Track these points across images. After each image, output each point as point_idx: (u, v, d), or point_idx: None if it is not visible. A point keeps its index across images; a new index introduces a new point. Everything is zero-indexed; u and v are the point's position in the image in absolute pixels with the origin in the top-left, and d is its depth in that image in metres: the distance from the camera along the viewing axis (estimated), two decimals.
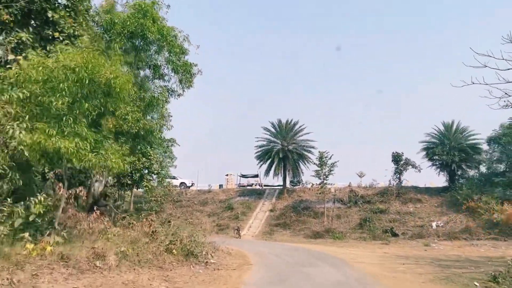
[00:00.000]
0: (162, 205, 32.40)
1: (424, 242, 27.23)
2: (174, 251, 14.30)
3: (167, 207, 39.59)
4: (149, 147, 25.61)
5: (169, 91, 23.19)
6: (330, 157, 36.06)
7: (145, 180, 27.28)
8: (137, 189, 32.98)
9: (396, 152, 38.73)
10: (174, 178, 46.79)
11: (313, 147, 40.92)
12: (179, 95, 23.34)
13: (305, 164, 41.79)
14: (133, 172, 25.25)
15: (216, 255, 16.67)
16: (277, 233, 33.49)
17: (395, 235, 30.62)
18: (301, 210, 37.24)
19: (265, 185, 47.70)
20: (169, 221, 22.71)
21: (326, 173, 35.99)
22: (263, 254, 19.34)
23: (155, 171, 29.61)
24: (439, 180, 41.54)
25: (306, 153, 41.46)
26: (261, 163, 42.41)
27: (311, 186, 42.84)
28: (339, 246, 26.40)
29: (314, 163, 36.84)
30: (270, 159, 41.61)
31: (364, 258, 19.00)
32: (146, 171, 27.85)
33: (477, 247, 25.25)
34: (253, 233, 33.64)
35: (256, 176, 50.04)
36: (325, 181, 35.87)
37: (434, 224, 32.12)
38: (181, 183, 46.98)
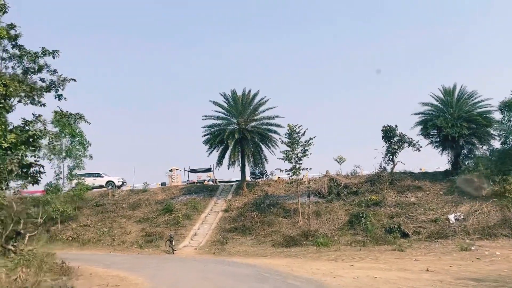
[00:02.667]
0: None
1: (459, 245, 17.80)
2: None
3: (81, 214, 28.43)
4: None
5: None
6: (304, 132, 26.29)
7: None
8: None
9: (387, 125, 29.44)
10: (97, 175, 35.61)
11: (279, 126, 30.97)
12: None
13: (269, 148, 31.78)
14: None
15: None
16: (232, 241, 23.12)
17: (405, 235, 21.15)
18: (267, 208, 27.12)
19: (220, 181, 37.29)
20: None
21: (299, 154, 26.15)
22: None
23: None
24: (433, 163, 32.83)
25: (270, 133, 31.42)
26: (211, 149, 31.96)
27: (278, 179, 33.07)
28: (332, 259, 16.51)
29: (283, 142, 26.78)
30: (224, 144, 31.27)
31: None
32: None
33: None
34: (198, 244, 23.11)
35: (209, 170, 39.53)
36: (297, 165, 25.99)
37: (451, 217, 22.91)
38: (108, 181, 35.74)
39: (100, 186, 35.31)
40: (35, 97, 23.03)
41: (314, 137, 25.98)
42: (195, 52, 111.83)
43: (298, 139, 26.20)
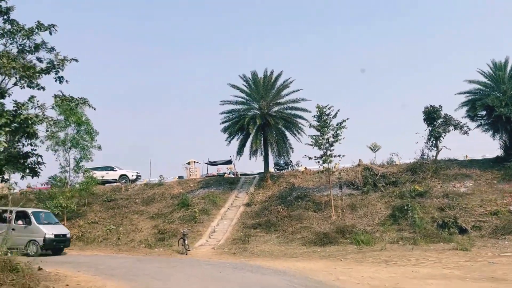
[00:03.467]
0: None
1: None
2: None
3: (91, 210, 25.98)
4: None
5: None
6: (335, 114, 23.01)
7: None
8: None
9: (430, 106, 25.82)
10: (109, 169, 33.25)
11: (305, 110, 27.63)
12: None
13: (295, 135, 28.53)
14: None
15: None
16: (256, 239, 20.06)
17: (463, 231, 17.66)
18: (294, 201, 23.96)
19: (241, 174, 34.34)
20: None
21: (330, 138, 22.89)
22: None
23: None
24: (478, 150, 28.79)
25: (296, 119, 28.14)
26: (230, 138, 28.95)
27: (305, 169, 29.86)
28: (381, 262, 13.22)
29: (311, 126, 23.49)
30: (244, 131, 28.23)
31: None
32: None
33: None
34: (217, 243, 20.16)
35: (229, 162, 36.67)
36: (328, 152, 22.74)
37: None
38: (121, 175, 33.26)
39: (113, 181, 32.94)
40: (32, 79, 20.61)
41: (348, 119, 22.67)
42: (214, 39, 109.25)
43: (328, 121, 22.93)
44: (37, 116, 19.53)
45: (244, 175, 33.40)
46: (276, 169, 32.57)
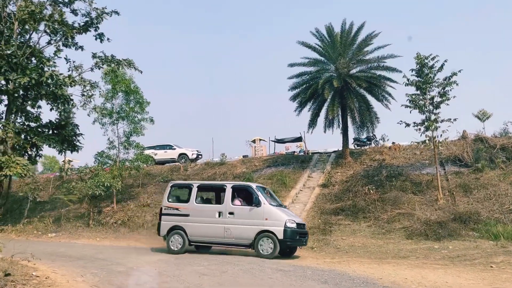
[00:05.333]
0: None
1: None
2: None
3: (145, 192, 23.02)
4: None
5: None
6: (442, 66, 17.37)
7: None
8: None
9: None
10: (168, 147, 30.34)
11: (395, 69, 21.97)
12: None
13: (381, 101, 23.08)
14: None
15: None
16: (340, 228, 15.36)
17: None
18: (385, 181, 18.86)
19: (313, 153, 29.57)
20: None
21: (436, 98, 17.39)
22: None
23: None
24: None
25: (382, 81, 22.64)
26: (300, 107, 24.27)
27: (393, 145, 24.42)
28: None
29: (408, 83, 18.03)
30: (318, 98, 23.40)
31: None
32: None
33: None
34: None
35: (299, 139, 32.15)
36: (433, 116, 17.28)
37: None
38: (181, 154, 30.11)
39: (172, 160, 29.93)
40: (67, 33, 17.46)
41: (460, 71, 16.94)
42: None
43: (432, 76, 17.38)
44: (69, 76, 16.52)
45: (316, 154, 28.66)
46: (356, 145, 27.34)
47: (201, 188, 13.23)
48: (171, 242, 12.28)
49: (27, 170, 16.16)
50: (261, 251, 11.13)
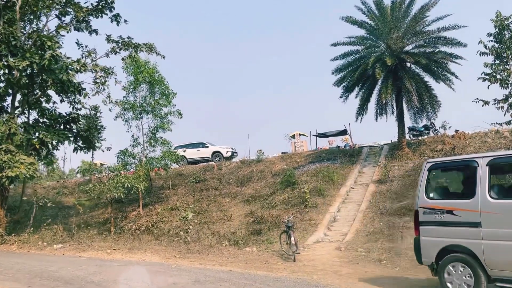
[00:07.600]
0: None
1: None
2: None
3: (175, 194, 20.76)
4: None
5: None
6: None
7: None
8: None
9: None
10: (201, 145, 28.19)
11: (460, 44, 18.32)
12: None
13: (445, 81, 19.53)
14: None
15: None
16: (409, 233, 12.25)
17: None
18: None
19: (359, 147, 26.27)
20: None
21: None
22: None
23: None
24: None
25: (445, 57, 19.06)
26: (347, 92, 21.20)
27: (456, 133, 20.83)
28: None
29: (484, 53, 14.63)
30: (367, 81, 20.26)
31: None
32: None
33: None
34: (342, 238, 12.83)
35: (343, 132, 28.93)
36: None
37: None
38: (214, 152, 27.82)
39: (205, 159, 27.69)
40: (78, 14, 15.37)
41: None
42: None
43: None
44: (78, 61, 14.37)
45: (365, 147, 25.36)
46: (411, 135, 23.83)
47: (497, 167, 6.62)
48: (449, 280, 6.54)
49: (33, 171, 14.19)
50: None
